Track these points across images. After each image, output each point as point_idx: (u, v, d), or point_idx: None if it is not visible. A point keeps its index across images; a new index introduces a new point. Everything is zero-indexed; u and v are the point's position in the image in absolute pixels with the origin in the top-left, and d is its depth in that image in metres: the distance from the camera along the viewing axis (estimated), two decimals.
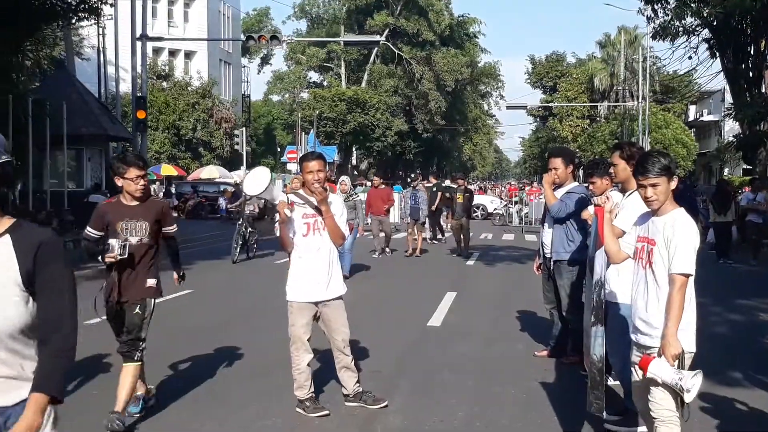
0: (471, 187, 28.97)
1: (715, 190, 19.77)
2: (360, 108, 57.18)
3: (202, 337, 9.29)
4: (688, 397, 4.13)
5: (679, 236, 4.23)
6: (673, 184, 4.37)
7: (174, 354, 8.32)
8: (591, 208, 6.34)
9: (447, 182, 26.15)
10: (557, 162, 7.69)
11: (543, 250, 7.91)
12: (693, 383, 4.09)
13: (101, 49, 30.05)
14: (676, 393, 4.16)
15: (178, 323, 10.18)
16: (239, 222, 17.23)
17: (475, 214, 34.90)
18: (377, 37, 43.64)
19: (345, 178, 15.55)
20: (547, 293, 8.03)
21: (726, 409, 6.28)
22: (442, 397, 6.68)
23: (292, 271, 6.15)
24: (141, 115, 25.79)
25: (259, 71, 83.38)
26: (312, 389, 6.13)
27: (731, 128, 40.99)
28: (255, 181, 6.84)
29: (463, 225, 18.97)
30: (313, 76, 71.69)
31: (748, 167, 25.24)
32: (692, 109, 58.92)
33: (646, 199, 4.39)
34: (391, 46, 60.86)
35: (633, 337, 4.57)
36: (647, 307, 4.39)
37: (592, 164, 7.42)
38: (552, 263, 7.76)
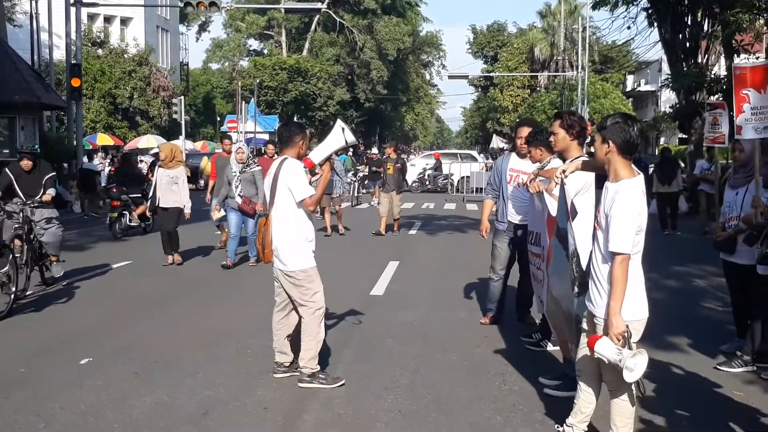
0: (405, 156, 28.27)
1: (660, 159, 18.91)
2: (301, 77, 56.71)
3: (145, 307, 9.21)
4: (629, 376, 4.16)
5: (616, 211, 4.19)
6: (605, 147, 4.36)
7: (118, 324, 8.27)
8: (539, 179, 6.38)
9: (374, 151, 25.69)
10: (528, 132, 7.57)
11: (511, 218, 7.80)
12: (635, 363, 4.13)
13: (34, 15, 29.04)
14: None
15: (121, 294, 10.05)
16: (16, 224, 9.54)
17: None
18: (318, 5, 43.04)
19: (242, 145, 12.45)
20: (503, 260, 7.98)
21: (664, 373, 6.42)
22: (386, 364, 6.71)
23: (307, 237, 6.04)
24: (75, 83, 25.22)
25: (198, 39, 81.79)
26: None
27: (668, 98, 41.67)
28: (346, 130, 6.25)
29: (393, 199, 17.07)
30: (253, 44, 70.82)
31: (684, 136, 25.72)
32: (630, 79, 59.80)
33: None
34: (333, 14, 60.32)
35: (585, 302, 4.61)
36: (594, 272, 4.43)
37: (529, 135, 7.42)
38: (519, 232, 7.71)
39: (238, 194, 11.75)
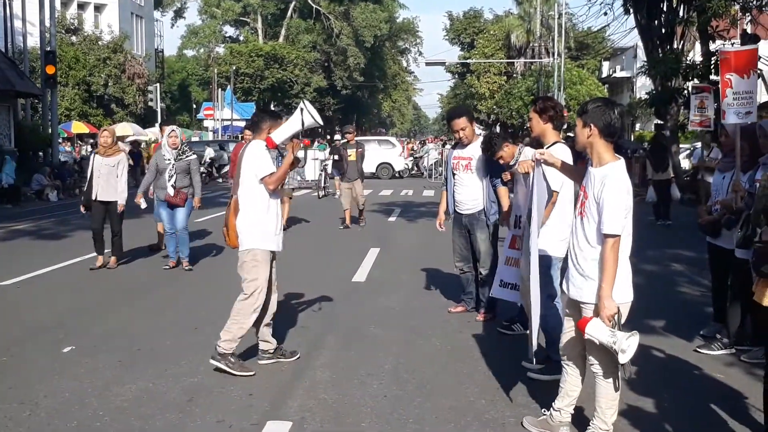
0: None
1: (652, 145, 18.16)
2: (278, 64, 56.46)
3: (125, 296, 9.18)
4: (623, 358, 4.21)
5: (608, 194, 4.22)
6: (587, 132, 4.40)
7: (99, 313, 8.23)
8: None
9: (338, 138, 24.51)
10: (463, 122, 7.64)
11: (457, 207, 7.91)
12: (628, 344, 4.19)
13: (7, 1, 28.69)
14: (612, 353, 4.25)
15: (99, 283, 10.01)
16: None
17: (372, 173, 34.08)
18: None
19: (175, 129, 10.98)
20: (462, 251, 8.01)
21: (646, 356, 6.47)
22: (369, 350, 6.73)
23: (259, 220, 6.04)
24: (50, 70, 25.02)
25: (173, 25, 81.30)
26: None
27: (643, 84, 41.95)
28: (311, 112, 6.25)
29: (355, 188, 15.87)
30: (229, 30, 70.47)
31: (660, 122, 25.88)
32: (605, 65, 60.02)
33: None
34: (309, 1, 60.10)
35: (564, 286, 4.66)
36: (577, 259, 4.46)
37: (489, 140, 7.29)
38: (469, 219, 7.78)
39: (171, 185, 10.55)
